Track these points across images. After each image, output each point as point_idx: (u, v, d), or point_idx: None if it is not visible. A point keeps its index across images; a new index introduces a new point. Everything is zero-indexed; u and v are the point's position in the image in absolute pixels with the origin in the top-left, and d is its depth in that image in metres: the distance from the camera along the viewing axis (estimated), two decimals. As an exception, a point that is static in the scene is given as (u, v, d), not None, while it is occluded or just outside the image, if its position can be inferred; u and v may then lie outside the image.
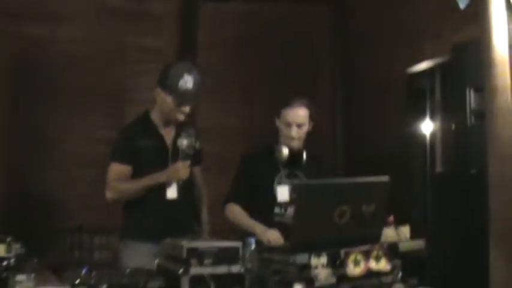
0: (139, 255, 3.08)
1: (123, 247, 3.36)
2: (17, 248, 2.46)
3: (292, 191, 3.32)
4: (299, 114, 3.36)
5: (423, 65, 5.08)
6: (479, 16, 2.86)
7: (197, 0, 6.20)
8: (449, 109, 4.32)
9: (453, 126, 3.74)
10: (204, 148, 6.03)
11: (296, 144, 3.38)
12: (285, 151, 3.34)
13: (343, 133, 6.33)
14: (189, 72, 3.29)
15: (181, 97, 3.27)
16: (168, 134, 3.40)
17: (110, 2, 5.97)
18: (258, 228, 3.17)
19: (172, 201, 3.31)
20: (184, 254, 2.34)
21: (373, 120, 5.81)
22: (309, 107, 3.41)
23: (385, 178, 2.56)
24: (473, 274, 2.81)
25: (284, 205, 3.32)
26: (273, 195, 3.34)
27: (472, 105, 3.45)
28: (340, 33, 6.48)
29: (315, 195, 2.43)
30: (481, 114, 3.20)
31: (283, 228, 3.16)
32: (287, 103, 3.38)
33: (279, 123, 3.42)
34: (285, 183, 3.36)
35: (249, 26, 6.29)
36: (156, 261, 2.62)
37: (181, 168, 3.26)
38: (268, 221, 3.25)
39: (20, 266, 2.48)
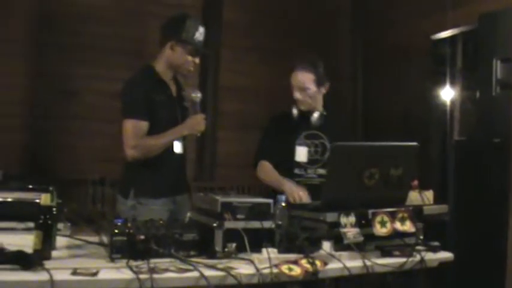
0: (154, 212, 3.04)
1: (135, 204, 3.22)
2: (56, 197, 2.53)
3: (314, 152, 3.41)
4: (300, 79, 3.41)
5: (447, 32, 5.09)
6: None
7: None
8: (473, 78, 4.35)
9: (477, 95, 3.79)
10: (225, 106, 6.17)
11: (305, 107, 3.45)
12: (294, 112, 3.44)
13: (363, 96, 6.38)
14: (201, 24, 3.31)
15: (197, 48, 3.28)
16: (173, 87, 3.36)
17: (133, -44, 5.96)
18: (288, 185, 3.21)
19: (177, 156, 3.31)
20: (219, 208, 2.41)
21: (393, 85, 5.84)
22: (313, 71, 3.41)
23: (413, 143, 2.63)
24: (492, 240, 2.91)
25: (304, 166, 3.39)
26: (293, 155, 3.40)
27: (498, 75, 3.50)
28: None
29: (347, 156, 2.50)
30: (507, 85, 3.26)
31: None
32: (292, 65, 3.45)
33: None
34: (304, 144, 3.42)
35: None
36: (189, 214, 2.69)
37: (201, 121, 3.24)
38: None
39: (59, 215, 2.55)
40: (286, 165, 3.38)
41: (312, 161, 3.40)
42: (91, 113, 5.75)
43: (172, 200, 3.27)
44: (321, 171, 3.37)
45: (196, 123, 3.24)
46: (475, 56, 4.26)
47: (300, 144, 3.42)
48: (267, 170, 3.41)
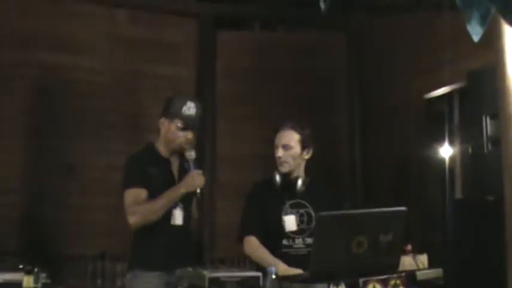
0: (149, 284, 3.15)
1: (132, 277, 3.32)
2: (43, 277, 2.50)
3: (299, 221, 3.34)
4: (284, 136, 3.38)
5: (441, 90, 5.10)
6: (493, 45, 2.91)
7: (214, 29, 6.30)
8: (467, 135, 4.33)
9: (470, 152, 3.77)
10: (223, 176, 6.16)
11: (285, 168, 3.38)
12: (277, 177, 3.37)
13: (362, 158, 6.35)
14: (192, 100, 3.41)
15: (186, 122, 3.35)
16: (173, 163, 3.46)
17: (129, 32, 6.05)
18: (282, 267, 3.03)
19: (177, 228, 3.33)
20: (207, 284, 2.37)
21: (391, 145, 5.82)
22: (299, 131, 3.39)
23: (401, 208, 2.58)
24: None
25: (292, 236, 3.32)
26: (280, 226, 3.32)
27: (488, 132, 3.49)
28: (357, 58, 6.52)
29: (333, 225, 2.45)
30: (498, 141, 3.23)
31: (290, 259, 3.16)
32: (279, 126, 3.45)
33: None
34: (291, 213, 3.35)
35: (266, 54, 6.37)
36: (179, 289, 2.65)
37: (197, 177, 3.30)
38: (275, 251, 3.23)
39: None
40: (274, 237, 3.30)
41: (299, 231, 3.33)
42: (89, 187, 5.74)
43: (171, 273, 3.16)
44: (309, 240, 3.28)
45: (192, 179, 3.30)
46: (467, 112, 4.26)
47: (287, 214, 3.34)
48: (255, 247, 3.28)
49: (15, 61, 5.53)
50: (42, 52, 5.70)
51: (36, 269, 2.45)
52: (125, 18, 6.06)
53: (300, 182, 3.38)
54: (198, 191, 3.32)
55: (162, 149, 3.45)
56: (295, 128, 3.40)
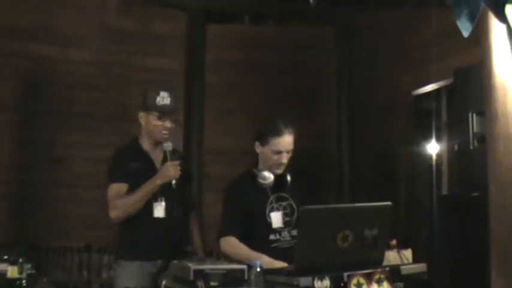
0: (132, 274, 3.31)
1: (117, 267, 3.50)
2: (28, 268, 2.51)
3: (284, 215, 3.36)
4: (290, 142, 3.35)
5: (429, 87, 5.12)
6: (480, 42, 2.92)
7: (204, 21, 6.30)
8: (454, 132, 4.35)
9: (456, 149, 3.79)
10: (211, 169, 6.15)
11: (281, 170, 3.40)
12: (271, 177, 3.36)
13: (349, 153, 6.36)
14: (165, 90, 3.50)
15: (162, 111, 3.45)
16: (157, 158, 3.55)
17: (118, 24, 6.03)
18: (266, 259, 3.07)
19: (161, 221, 3.42)
20: (192, 276, 2.38)
21: (378, 140, 5.84)
22: (295, 132, 3.39)
23: (387, 203, 2.60)
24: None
25: (279, 230, 3.34)
26: (266, 222, 3.34)
27: (474, 129, 3.51)
28: (346, 53, 6.52)
29: (318, 219, 2.46)
30: (483, 138, 3.26)
31: (280, 253, 3.18)
32: (274, 131, 3.35)
33: (263, 149, 3.41)
34: (277, 209, 3.37)
35: (255, 47, 6.37)
36: (164, 282, 2.67)
37: (171, 168, 3.38)
38: (264, 247, 3.24)
39: (30, 286, 2.52)
40: (261, 233, 3.32)
41: (285, 224, 3.36)
42: (77, 179, 5.72)
43: (153, 263, 3.38)
44: (294, 232, 3.31)
45: (167, 170, 3.38)
46: (454, 109, 4.29)
47: (273, 210, 3.36)
48: (234, 246, 3.29)
49: (3, 51, 5.49)
50: (31, 43, 5.67)
51: (20, 260, 2.45)
52: (115, 10, 6.04)
53: (289, 177, 3.41)
54: (174, 182, 3.39)
55: (145, 143, 3.56)
56: (292, 131, 3.37)
